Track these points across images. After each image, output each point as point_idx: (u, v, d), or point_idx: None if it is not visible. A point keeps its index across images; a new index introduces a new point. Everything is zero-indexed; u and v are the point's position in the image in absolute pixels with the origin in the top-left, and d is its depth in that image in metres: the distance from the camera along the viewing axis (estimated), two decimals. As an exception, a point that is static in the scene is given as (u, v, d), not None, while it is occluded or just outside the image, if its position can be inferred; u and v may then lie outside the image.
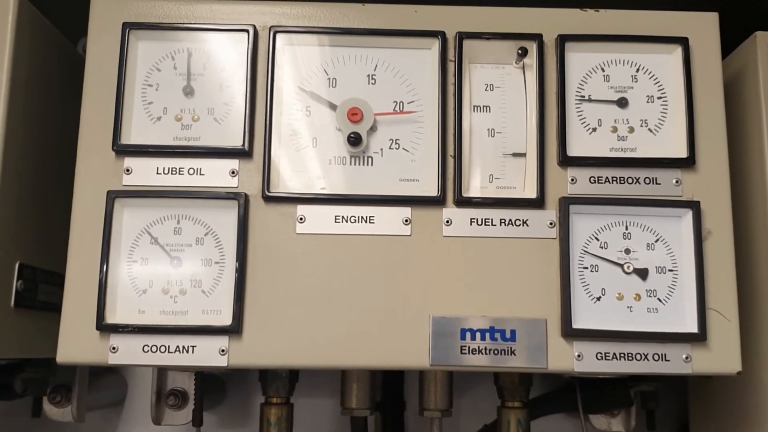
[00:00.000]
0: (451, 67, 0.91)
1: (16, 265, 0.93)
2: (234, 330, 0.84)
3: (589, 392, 1.11)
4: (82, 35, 0.93)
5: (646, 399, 1.10)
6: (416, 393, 1.07)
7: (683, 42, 0.91)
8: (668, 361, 0.85)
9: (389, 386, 1.27)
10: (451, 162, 0.89)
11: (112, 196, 0.87)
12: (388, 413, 1.26)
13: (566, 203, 0.88)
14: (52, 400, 1.13)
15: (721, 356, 0.85)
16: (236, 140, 0.89)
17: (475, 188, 0.90)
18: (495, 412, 1.05)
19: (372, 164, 0.90)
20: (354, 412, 1.06)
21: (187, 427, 1.14)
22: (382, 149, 0.90)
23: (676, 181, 0.89)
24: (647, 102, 0.91)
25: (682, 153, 0.89)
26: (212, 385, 1.28)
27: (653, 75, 0.92)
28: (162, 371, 1.19)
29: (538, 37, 0.91)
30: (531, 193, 0.89)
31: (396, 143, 0.91)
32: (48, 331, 0.88)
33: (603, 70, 0.92)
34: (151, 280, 0.87)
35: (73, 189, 0.88)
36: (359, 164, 0.90)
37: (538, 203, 0.88)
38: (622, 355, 0.85)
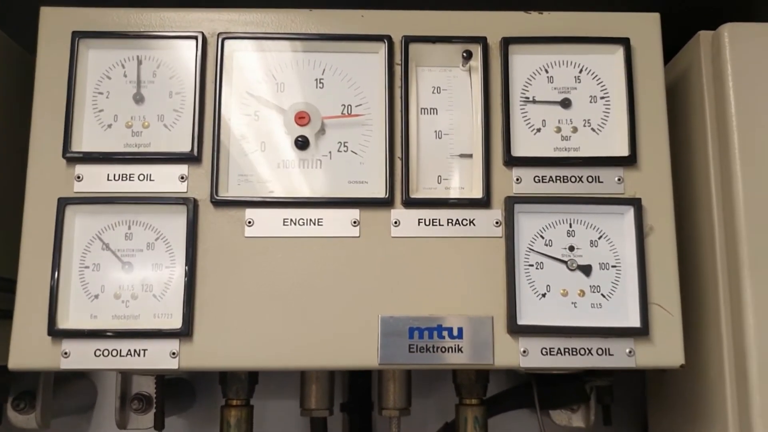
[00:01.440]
0: (398, 71, 0.92)
1: (-31, 273, 0.94)
2: (184, 333, 0.85)
3: (545, 388, 1.12)
4: (39, 46, 0.94)
5: (601, 394, 1.12)
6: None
7: (625, 42, 0.93)
8: (612, 355, 0.86)
9: (357, 387, 1.28)
10: (398, 164, 0.90)
11: (63, 203, 0.88)
12: (356, 414, 1.28)
13: (511, 202, 0.89)
14: (15, 407, 1.13)
15: (664, 350, 0.87)
16: (186, 146, 0.90)
17: (422, 189, 0.91)
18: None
19: (320, 167, 0.91)
20: (313, 413, 1.07)
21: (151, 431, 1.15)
22: (330, 152, 0.92)
23: (618, 179, 0.90)
24: (590, 102, 0.93)
25: (624, 152, 0.91)
26: (181, 390, 1.29)
27: (596, 75, 0.94)
28: (126, 375, 1.20)
29: (482, 40, 0.92)
30: (477, 193, 0.90)
31: (344, 146, 0.92)
32: (4, 338, 0.89)
33: (547, 71, 0.94)
34: (102, 285, 0.88)
35: (24, 196, 0.89)
36: (308, 167, 0.91)
37: (484, 203, 0.90)
38: (567, 350, 0.87)
